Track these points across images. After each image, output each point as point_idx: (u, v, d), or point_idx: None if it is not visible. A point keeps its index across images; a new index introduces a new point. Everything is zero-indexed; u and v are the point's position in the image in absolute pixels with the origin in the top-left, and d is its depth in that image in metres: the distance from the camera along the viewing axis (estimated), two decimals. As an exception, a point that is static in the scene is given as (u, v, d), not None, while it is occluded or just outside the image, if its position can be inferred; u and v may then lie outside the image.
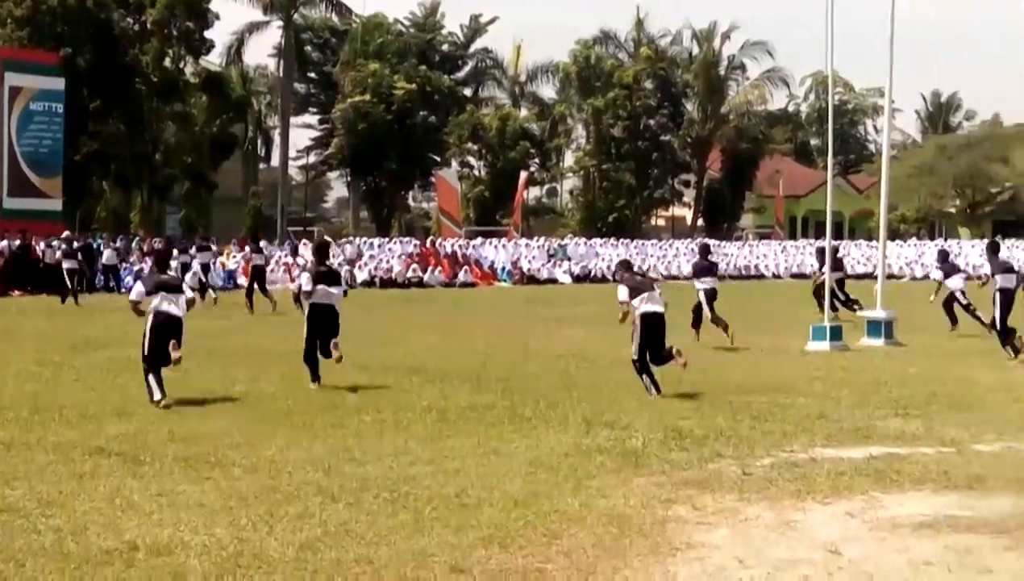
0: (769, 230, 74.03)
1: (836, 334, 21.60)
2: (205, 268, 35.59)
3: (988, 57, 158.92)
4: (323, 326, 15.77)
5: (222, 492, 9.32)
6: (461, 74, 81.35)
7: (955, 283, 25.41)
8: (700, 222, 78.32)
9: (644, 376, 15.12)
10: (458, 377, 16.66)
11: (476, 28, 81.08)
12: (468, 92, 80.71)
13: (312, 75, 78.88)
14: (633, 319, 15.31)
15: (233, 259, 46.35)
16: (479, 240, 56.42)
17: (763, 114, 79.81)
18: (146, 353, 14.27)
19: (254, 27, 68.60)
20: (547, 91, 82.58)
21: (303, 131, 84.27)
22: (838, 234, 63.81)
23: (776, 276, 59.49)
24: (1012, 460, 10.78)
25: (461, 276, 49.37)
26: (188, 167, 57.30)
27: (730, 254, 62.41)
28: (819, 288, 26.65)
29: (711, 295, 22.38)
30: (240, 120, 65.86)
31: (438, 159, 72.71)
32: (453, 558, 7.54)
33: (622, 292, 15.52)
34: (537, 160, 76.94)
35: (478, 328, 26.81)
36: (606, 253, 56.89)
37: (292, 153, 76.56)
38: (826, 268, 24.94)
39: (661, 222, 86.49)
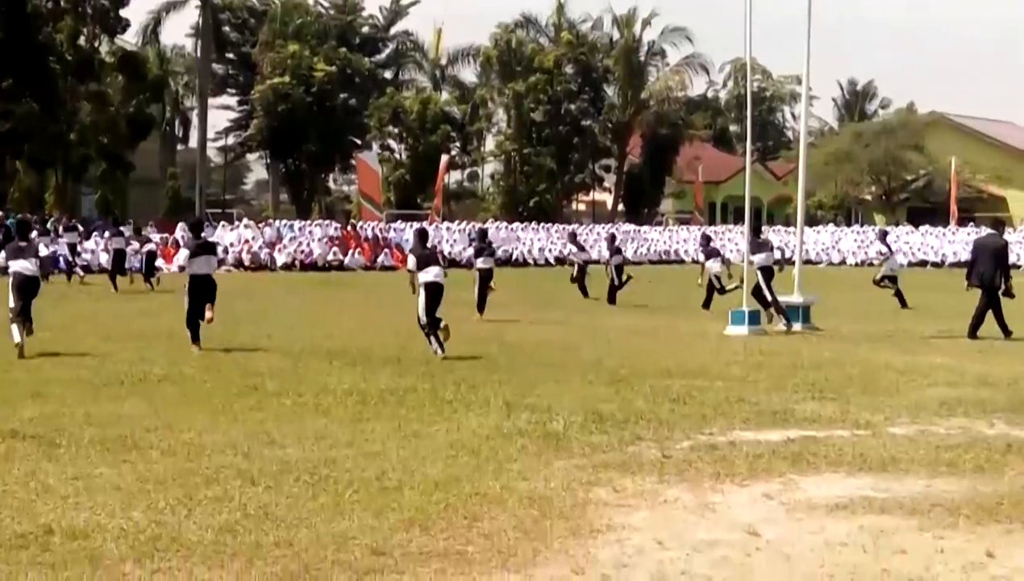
0: (689, 216, 74.50)
1: (754, 319, 21.81)
2: (120, 254, 34.89)
3: (903, 45, 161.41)
4: (201, 293, 17.56)
5: (139, 475, 9.21)
6: (381, 57, 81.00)
7: (714, 267, 27.32)
8: (621, 207, 78.66)
9: (431, 337, 17.26)
10: (379, 360, 16.62)
11: (397, 11, 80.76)
12: (389, 75, 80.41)
13: (231, 56, 78.09)
14: (418, 287, 17.63)
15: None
16: (400, 223, 56.27)
17: (683, 100, 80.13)
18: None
19: (171, 6, 67.87)
20: (468, 75, 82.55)
21: (222, 112, 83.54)
22: (757, 220, 64.45)
23: (695, 261, 59.83)
24: (925, 443, 10.94)
25: (382, 259, 49.23)
26: (104, 148, 56.56)
27: (650, 239, 62.84)
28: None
29: (767, 273, 23.18)
30: (157, 101, 65.20)
31: (359, 142, 72.43)
32: (374, 541, 7.51)
33: (411, 262, 18.20)
34: (458, 144, 76.88)
35: (399, 312, 26.72)
36: (527, 237, 56.98)
37: (211, 134, 75.90)
38: (746, 253, 25.08)
39: (582, 207, 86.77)
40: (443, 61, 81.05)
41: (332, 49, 70.76)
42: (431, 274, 17.63)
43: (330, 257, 47.81)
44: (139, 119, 58.77)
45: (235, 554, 7.23)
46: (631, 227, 65.15)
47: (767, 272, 23.18)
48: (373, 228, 52.87)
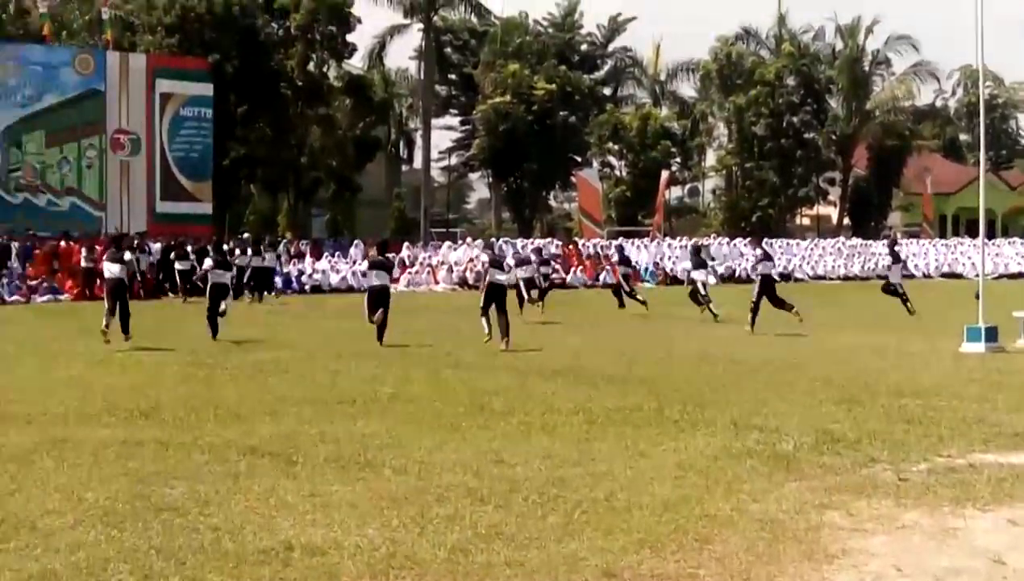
0: (918, 229, 72.44)
1: (991, 335, 21.00)
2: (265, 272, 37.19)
3: None
4: (376, 301, 21.88)
5: (373, 493, 9.37)
6: (601, 73, 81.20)
7: (699, 276, 30.22)
8: (846, 221, 77.01)
9: (483, 319, 21.86)
10: (604, 379, 16.59)
11: (615, 27, 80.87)
12: (608, 92, 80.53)
13: (453, 77, 79.44)
14: (484, 284, 22.41)
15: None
16: (621, 240, 56.23)
17: (910, 110, 78.08)
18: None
19: (395, 30, 69.41)
20: (687, 89, 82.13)
21: (444, 133, 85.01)
22: (991, 232, 62.45)
23: (927, 276, 58.22)
24: None
25: (604, 277, 49.22)
26: (332, 170, 58.19)
27: (877, 254, 61.29)
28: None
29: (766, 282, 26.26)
30: (383, 123, 66.69)
31: (579, 159, 72.68)
32: (604, 562, 7.48)
33: (483, 261, 22.59)
34: (678, 159, 76.48)
35: (622, 329, 26.72)
36: (749, 253, 56.22)
37: (434, 155, 77.29)
38: (980, 268, 24.41)
39: (806, 221, 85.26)
40: (662, 76, 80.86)
41: (552, 67, 71.27)
42: (498, 277, 22.64)
43: (553, 275, 47.99)
44: (366, 141, 60.28)
45: (468, 573, 7.29)
46: (857, 241, 63.66)
47: (766, 281, 26.12)
48: (594, 245, 52.97)
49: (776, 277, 26.53)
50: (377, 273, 22.69)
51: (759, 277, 26.47)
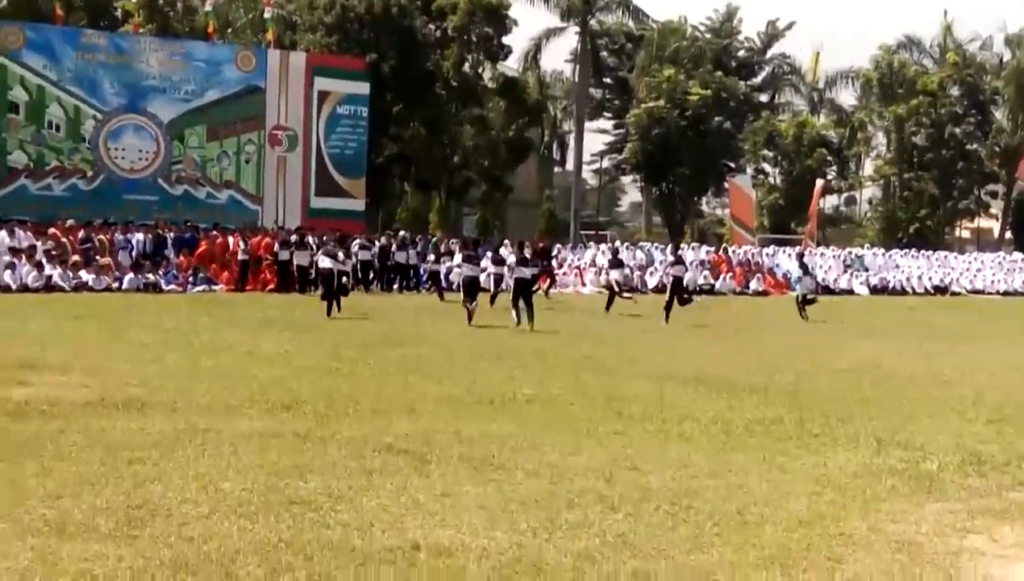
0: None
1: None
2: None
3: None
4: (470, 288, 26.97)
5: (504, 495, 9.34)
6: (757, 80, 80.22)
7: (615, 275, 33.80)
8: (1008, 235, 74.88)
9: (513, 309, 25.78)
10: (745, 389, 16.34)
11: (773, 33, 79.78)
12: (764, 98, 79.53)
13: (607, 80, 79.26)
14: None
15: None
16: (772, 248, 55.49)
17: (1080, 122, 75.53)
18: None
19: (551, 33, 69.52)
20: (846, 97, 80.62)
21: (597, 136, 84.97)
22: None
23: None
24: None
25: (753, 284, 48.64)
26: (484, 170, 58.51)
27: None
28: None
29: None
30: (536, 124, 66.80)
31: (732, 165, 71.98)
32: (732, 577, 7.34)
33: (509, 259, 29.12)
34: (834, 168, 75.13)
35: (767, 338, 26.35)
36: (906, 265, 55.05)
37: (586, 157, 77.23)
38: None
39: (966, 234, 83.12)
40: (820, 84, 79.52)
41: (708, 73, 70.69)
42: (520, 272, 26.64)
43: (701, 281, 47.58)
44: (518, 142, 60.46)
45: (592, 582, 7.22)
46: (1019, 256, 61.77)
47: (675, 282, 30.60)
48: (745, 252, 52.38)
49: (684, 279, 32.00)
50: (470, 266, 28.03)
51: (671, 278, 31.02)
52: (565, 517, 8.70)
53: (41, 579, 6.94)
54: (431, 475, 10.03)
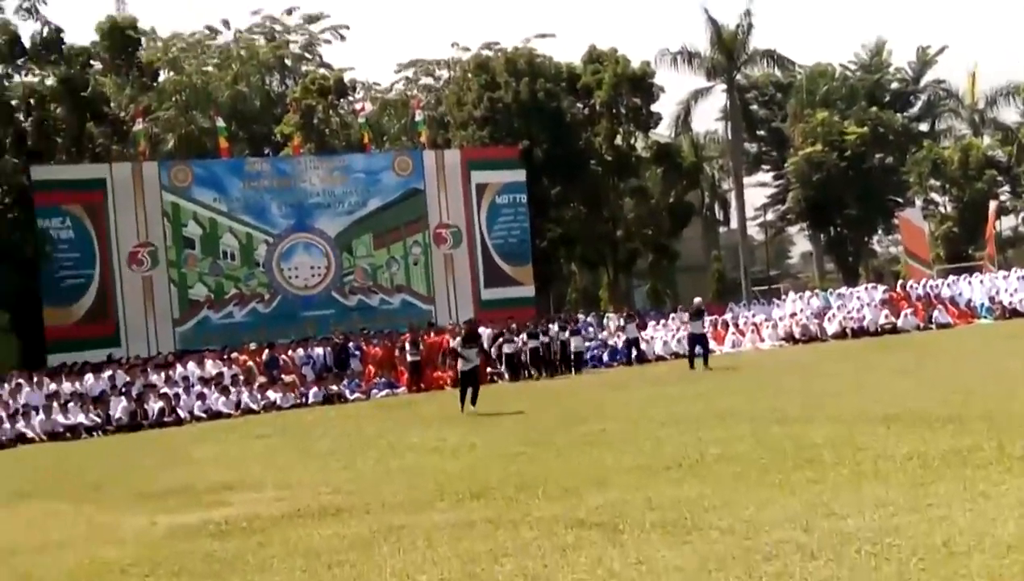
0: None
1: None
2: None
3: None
4: (467, 381, 26.44)
5: (700, 556, 9.24)
6: (914, 110, 78.64)
7: None
8: None
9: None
10: (938, 420, 15.88)
11: (925, 60, 78.27)
12: (924, 127, 77.87)
13: (761, 132, 78.60)
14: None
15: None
16: (952, 278, 54.00)
17: None
18: None
19: (699, 94, 69.28)
20: (1009, 114, 78.34)
21: (758, 190, 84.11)
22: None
23: None
24: None
25: (936, 316, 47.37)
26: (649, 239, 58.38)
27: None
28: None
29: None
30: (695, 187, 66.50)
31: (899, 200, 70.50)
32: (943, 610, 7.13)
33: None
34: (1006, 188, 73.00)
35: (955, 369, 25.62)
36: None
37: (749, 213, 76.41)
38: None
39: None
40: (980, 104, 77.58)
41: (862, 110, 69.63)
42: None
43: (882, 320, 46.57)
44: (679, 207, 60.23)
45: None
46: None
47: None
48: (923, 286, 51.12)
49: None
50: (468, 351, 26.80)
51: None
52: (764, 569, 8.57)
53: None
54: (625, 544, 9.97)
